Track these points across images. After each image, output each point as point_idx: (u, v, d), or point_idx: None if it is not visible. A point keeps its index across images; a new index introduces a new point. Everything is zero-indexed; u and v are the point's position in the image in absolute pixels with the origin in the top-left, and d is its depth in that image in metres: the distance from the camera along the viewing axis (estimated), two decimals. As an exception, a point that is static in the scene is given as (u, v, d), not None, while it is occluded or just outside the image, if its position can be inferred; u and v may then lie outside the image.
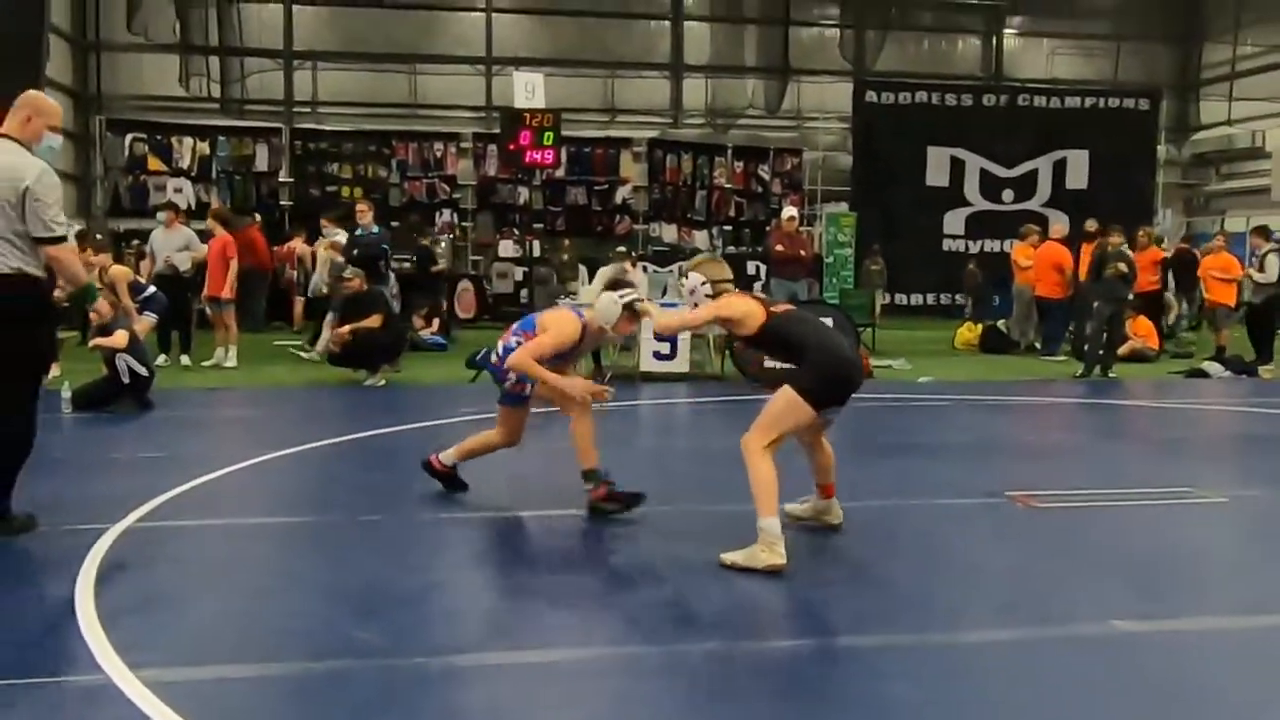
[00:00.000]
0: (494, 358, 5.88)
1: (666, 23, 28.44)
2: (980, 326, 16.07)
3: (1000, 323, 16.20)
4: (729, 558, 4.74)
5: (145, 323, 10.66)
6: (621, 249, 13.80)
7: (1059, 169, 21.88)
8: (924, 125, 21.50)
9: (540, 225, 19.64)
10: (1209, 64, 30.50)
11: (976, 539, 5.45)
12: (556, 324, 5.71)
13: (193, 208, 17.61)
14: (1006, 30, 30.03)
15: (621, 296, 5.65)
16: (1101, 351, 12.47)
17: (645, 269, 13.49)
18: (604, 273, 12.59)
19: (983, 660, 3.84)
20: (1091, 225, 14.92)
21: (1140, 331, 14.42)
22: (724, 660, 3.75)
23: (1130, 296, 13.08)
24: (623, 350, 11.84)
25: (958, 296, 21.00)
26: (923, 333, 18.31)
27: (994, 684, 3.64)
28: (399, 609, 4.20)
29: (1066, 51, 29.86)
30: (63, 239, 5.06)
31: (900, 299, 21.20)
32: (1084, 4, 27.86)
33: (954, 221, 21.75)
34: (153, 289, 11.43)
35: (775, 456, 4.85)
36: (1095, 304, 12.53)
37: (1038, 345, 15.08)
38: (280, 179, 19.93)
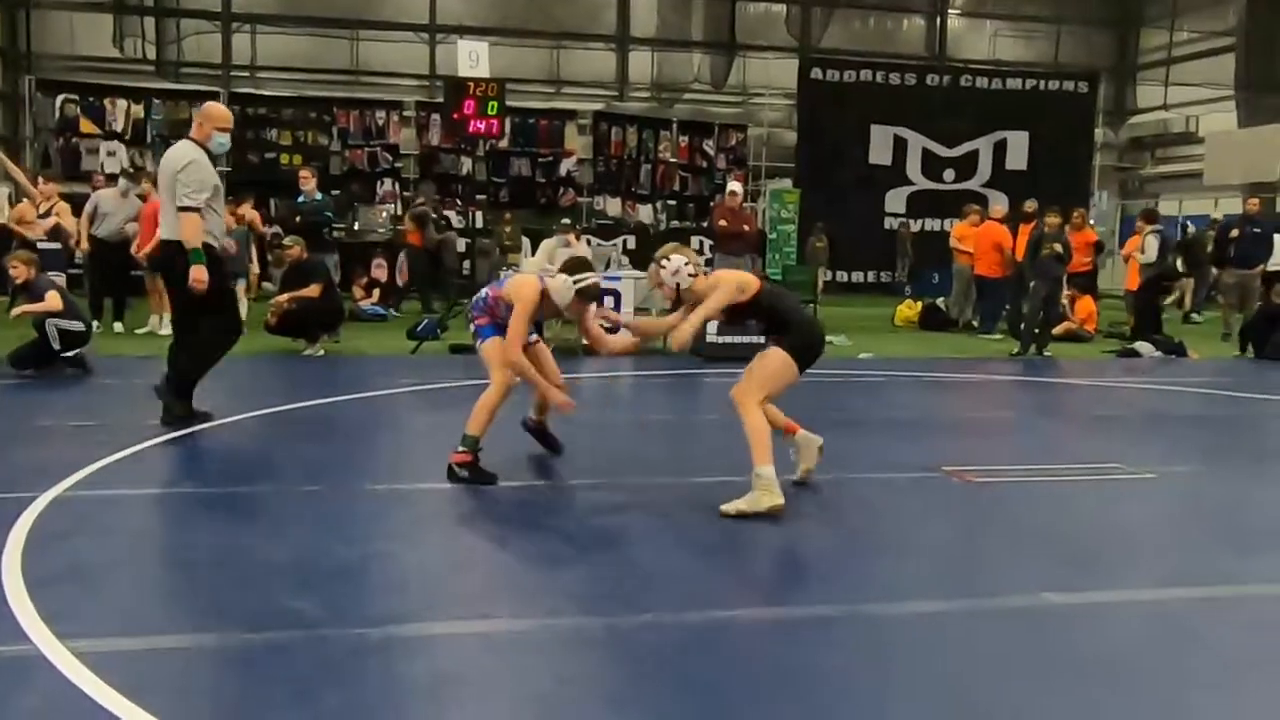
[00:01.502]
0: (471, 326, 6.09)
1: (613, -6, 28.33)
2: (919, 304, 16.26)
3: (939, 300, 16.39)
4: (730, 507, 4.98)
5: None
6: (565, 221, 13.71)
7: (999, 150, 22.14)
8: (868, 104, 21.62)
9: (483, 196, 19.47)
10: (1146, 49, 31.06)
11: (913, 512, 5.53)
12: (518, 292, 5.76)
13: (127, 172, 17.18)
14: (950, 11, 30.33)
15: (577, 282, 5.73)
16: (1037, 330, 12.68)
17: (589, 242, 13.44)
18: (547, 245, 12.55)
19: (917, 631, 3.90)
20: (1030, 206, 15.12)
21: (1081, 313, 14.67)
22: (662, 631, 3.78)
23: (1064, 276, 13.32)
24: (565, 323, 11.80)
25: (898, 274, 21.21)
26: (864, 309, 18.46)
27: (928, 654, 3.70)
28: (338, 580, 4.17)
29: (1008, 34, 30.25)
30: (191, 209, 6.56)
31: (842, 276, 21.38)
32: (1027, -13, 28.25)
33: (896, 200, 21.94)
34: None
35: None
36: (1032, 283, 12.73)
37: (976, 323, 15.29)
38: (217, 144, 19.56)
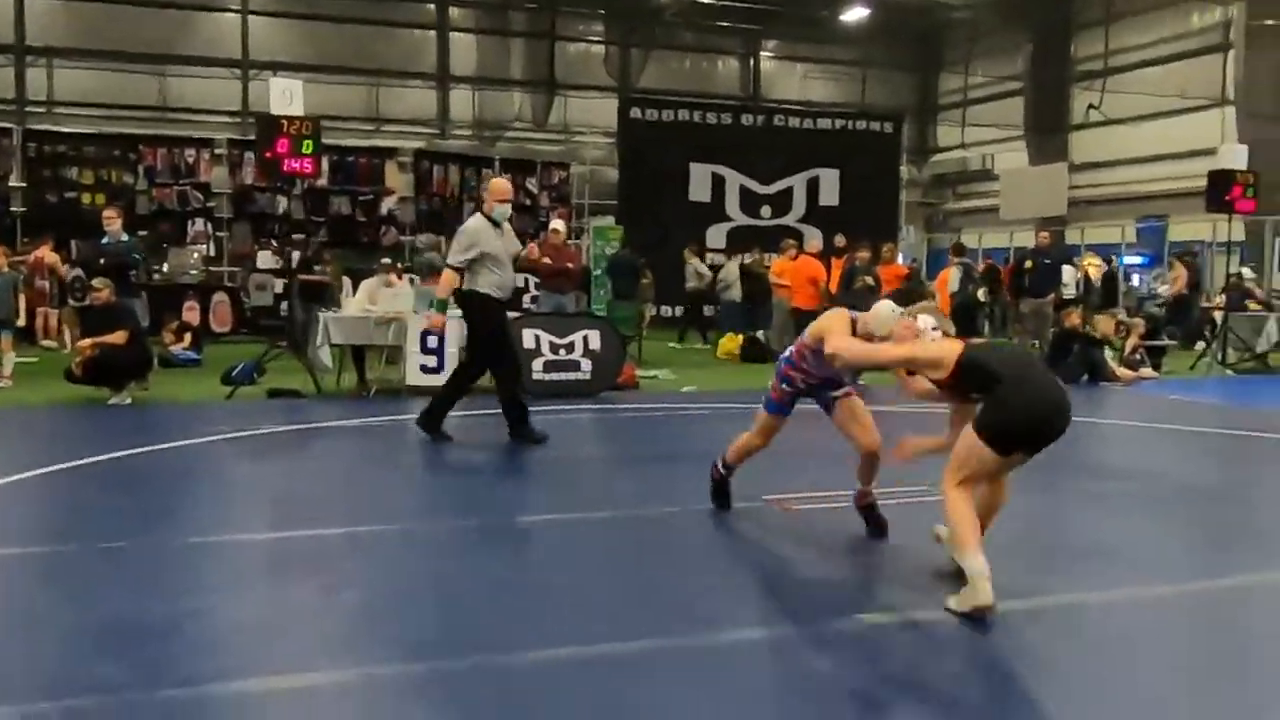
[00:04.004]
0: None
1: (432, 32, 28.22)
2: (741, 337, 16.66)
3: (759, 333, 16.83)
4: (950, 602, 4.42)
5: None
6: (385, 261, 13.50)
7: (813, 186, 22.91)
8: (687, 142, 22.08)
9: (301, 235, 18.99)
10: (944, 91, 32.86)
11: (736, 543, 5.65)
12: (826, 325, 5.42)
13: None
14: (763, 53, 31.39)
15: (905, 313, 5.27)
16: (852, 360, 13.15)
17: (412, 281, 13.23)
18: (367, 285, 12.34)
19: (743, 659, 3.98)
20: (841, 241, 15.72)
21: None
22: (491, 674, 3.75)
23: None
24: (388, 364, 11.62)
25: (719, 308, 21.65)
26: (688, 343, 18.85)
27: (753, 682, 3.79)
28: (148, 640, 3.98)
29: (818, 75, 31.50)
30: (451, 267, 8.05)
31: (666, 311, 21.68)
32: (833, 31, 29.47)
33: (716, 236, 22.41)
34: None
35: (969, 491, 4.58)
36: (846, 315, 13.21)
37: (795, 354, 15.73)
38: (11, 184, 18.46)
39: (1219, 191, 14.97)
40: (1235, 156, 15.63)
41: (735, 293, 18.90)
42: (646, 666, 3.87)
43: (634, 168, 22.07)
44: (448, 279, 8.08)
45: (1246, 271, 19.42)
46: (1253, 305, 17.19)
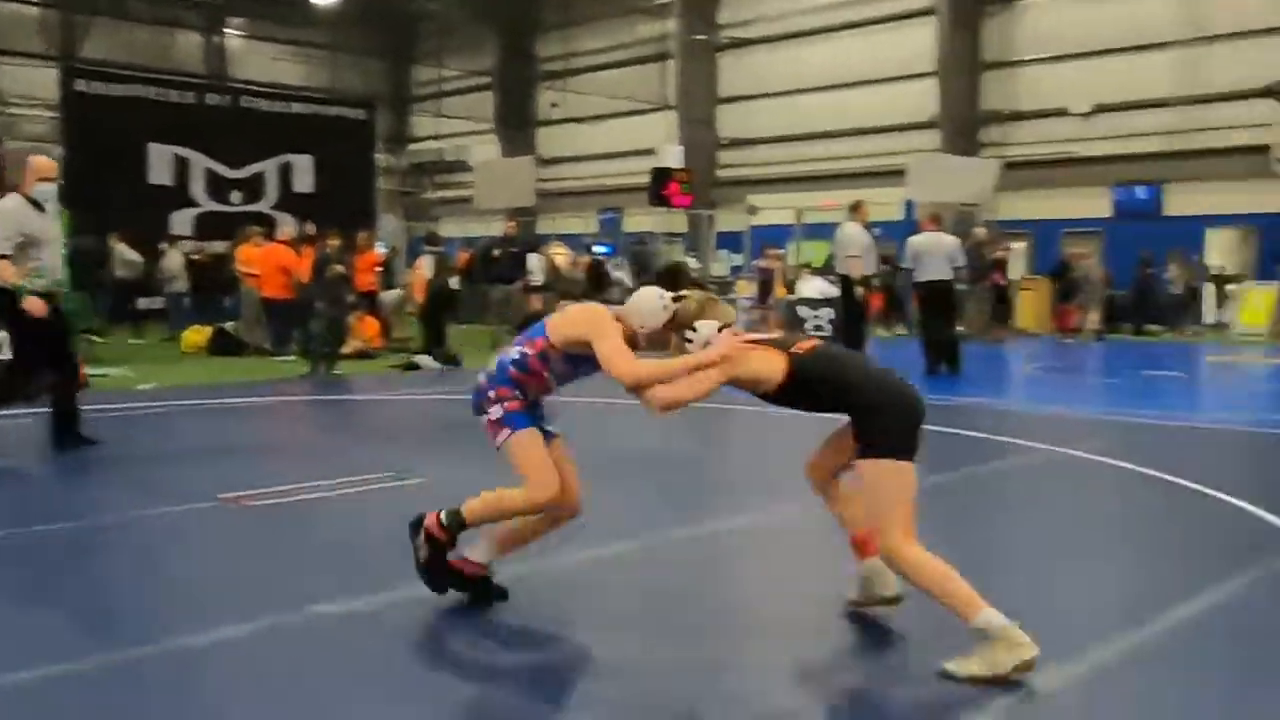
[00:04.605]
0: (493, 411, 4.28)
1: None
2: (210, 329, 15.84)
3: (229, 325, 16.10)
4: (960, 669, 3.57)
5: None
6: None
7: (285, 172, 22.23)
8: (144, 120, 20.46)
9: None
10: (419, 82, 33.36)
11: (187, 546, 5.39)
12: (587, 323, 4.11)
13: None
14: (228, 30, 29.92)
15: (677, 299, 4.11)
16: (326, 350, 13.00)
17: None
18: None
19: (202, 662, 3.84)
20: (311, 229, 15.47)
21: (368, 332, 15.27)
22: None
23: (352, 298, 13.82)
24: None
25: (186, 300, 20.43)
26: (150, 338, 17.61)
27: (215, 684, 3.69)
28: None
29: (288, 58, 30.62)
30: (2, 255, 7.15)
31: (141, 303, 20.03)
32: (304, 13, 28.74)
33: (182, 222, 21.04)
34: None
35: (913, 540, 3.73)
36: (319, 304, 13.02)
37: (268, 346, 15.25)
38: None
39: (658, 187, 16.60)
40: (673, 156, 17.43)
41: (181, 284, 17.98)
42: (95, 682, 3.59)
43: (82, 146, 20.04)
44: (6, 269, 7.16)
45: (691, 260, 21.71)
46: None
